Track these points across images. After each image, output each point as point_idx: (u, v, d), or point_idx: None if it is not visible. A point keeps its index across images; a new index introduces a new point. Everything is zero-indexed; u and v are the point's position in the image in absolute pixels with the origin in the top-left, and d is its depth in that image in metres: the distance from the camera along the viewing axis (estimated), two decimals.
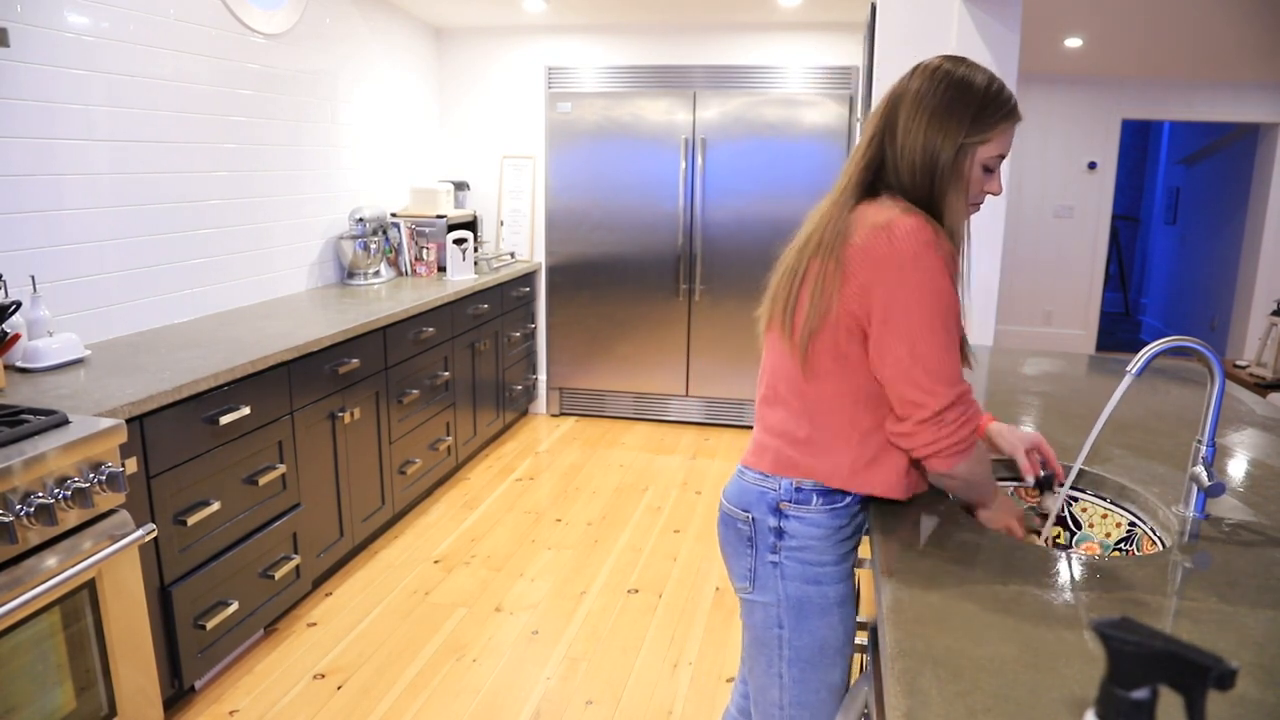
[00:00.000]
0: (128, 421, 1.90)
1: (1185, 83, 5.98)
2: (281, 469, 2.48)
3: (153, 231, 2.74)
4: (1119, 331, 8.18)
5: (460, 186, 4.66)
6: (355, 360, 2.86)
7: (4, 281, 2.19)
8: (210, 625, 2.20)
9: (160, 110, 2.73)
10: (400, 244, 4.06)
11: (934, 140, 1.21)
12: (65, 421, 1.74)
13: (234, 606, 2.29)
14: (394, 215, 4.12)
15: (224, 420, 2.21)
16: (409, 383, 3.28)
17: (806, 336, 1.25)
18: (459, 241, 3.99)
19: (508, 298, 4.31)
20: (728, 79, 4.43)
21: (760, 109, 4.29)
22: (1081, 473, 1.52)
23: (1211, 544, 1.23)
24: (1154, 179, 8.79)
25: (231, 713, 2.22)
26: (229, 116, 3.04)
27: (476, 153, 4.80)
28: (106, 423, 1.75)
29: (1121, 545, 1.45)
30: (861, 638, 1.43)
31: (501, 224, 4.80)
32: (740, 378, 4.58)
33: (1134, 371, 1.25)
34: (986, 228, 2.95)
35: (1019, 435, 1.46)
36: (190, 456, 2.13)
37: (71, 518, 1.67)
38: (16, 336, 2.12)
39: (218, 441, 2.23)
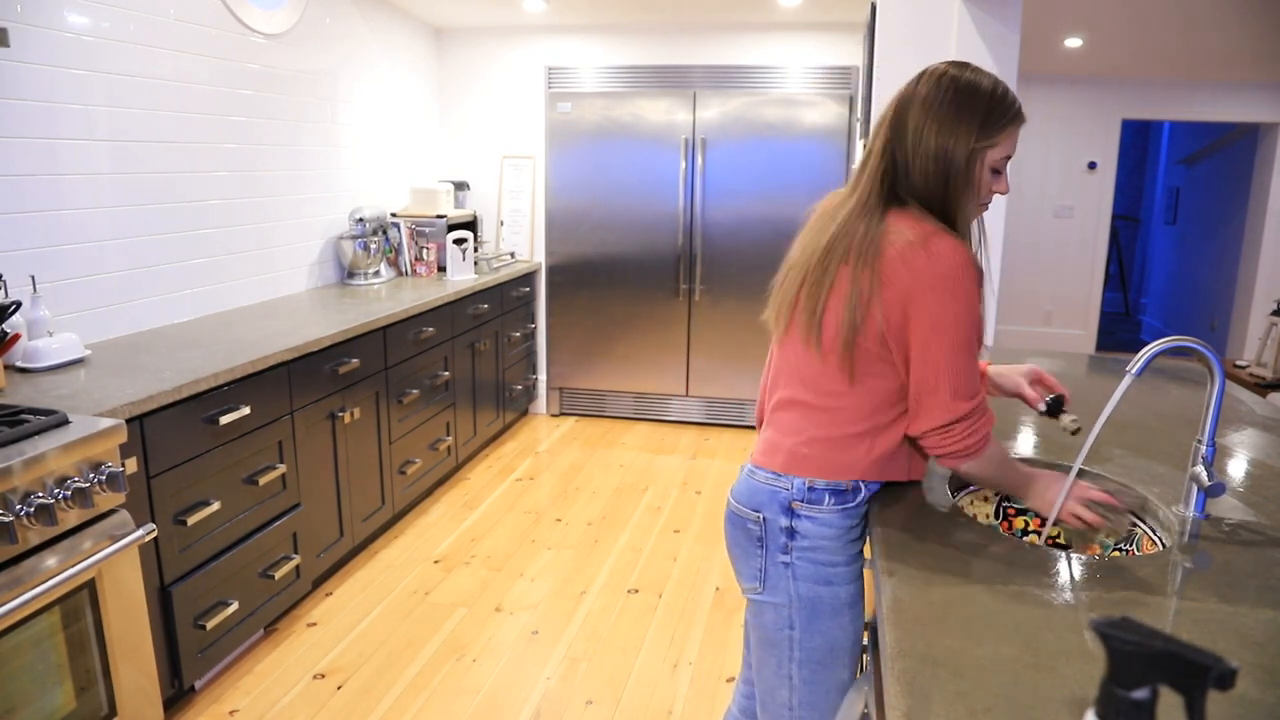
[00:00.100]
0: (128, 421, 1.90)
1: (1185, 83, 5.98)
2: (281, 469, 2.48)
3: (153, 231, 2.74)
4: (1119, 331, 8.18)
5: (460, 186, 4.66)
6: (355, 360, 2.86)
7: (4, 281, 2.19)
8: (210, 625, 2.20)
9: (160, 110, 2.73)
10: (400, 244, 4.06)
11: (945, 146, 1.23)
12: (65, 421, 1.74)
13: (234, 606, 2.29)
14: (394, 215, 4.12)
15: (224, 420, 2.21)
16: (409, 383, 3.28)
17: (843, 345, 1.26)
18: (459, 241, 3.99)
19: (508, 298, 4.31)
20: (728, 79, 4.43)
21: (760, 109, 4.29)
22: (1082, 473, 1.52)
23: (1211, 544, 1.23)
24: (1154, 179, 8.79)
25: (231, 713, 2.22)
26: (229, 116, 3.04)
27: (476, 153, 4.80)
28: (106, 423, 1.75)
29: (1121, 545, 1.45)
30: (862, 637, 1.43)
31: (501, 224, 4.80)
32: (740, 378, 4.58)
33: (1134, 371, 1.25)
34: (986, 228, 2.95)
35: (1017, 370, 1.55)
36: (190, 456, 2.13)
37: (71, 518, 1.67)
38: (16, 336, 2.12)
39: (218, 441, 2.23)
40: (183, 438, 2.10)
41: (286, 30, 3.33)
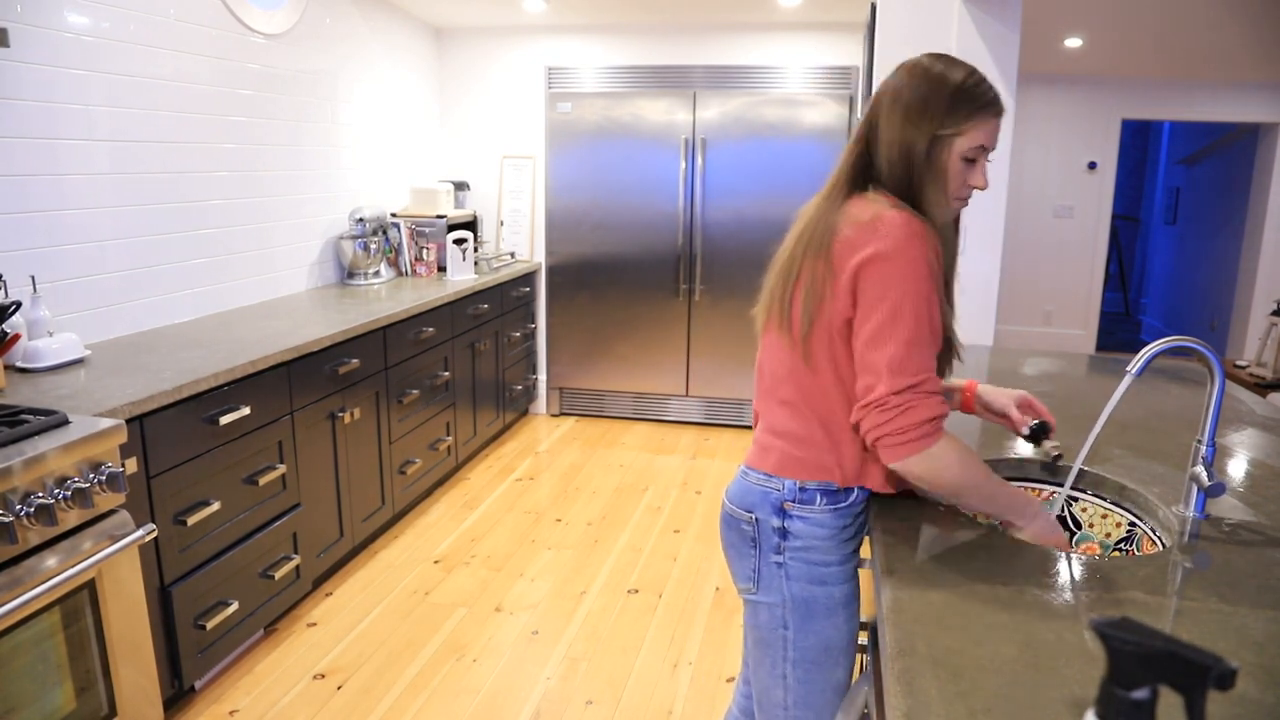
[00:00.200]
0: (128, 421, 1.90)
1: (1185, 83, 5.98)
2: (281, 469, 2.48)
3: (153, 231, 2.74)
4: (1119, 331, 8.18)
5: (460, 186, 4.66)
6: (355, 360, 2.86)
7: (4, 281, 2.19)
8: (210, 625, 2.20)
9: (160, 110, 2.73)
10: (400, 244, 4.06)
11: (908, 134, 1.23)
12: (65, 421, 1.74)
13: (234, 606, 2.29)
14: (394, 215, 4.12)
15: (224, 420, 2.21)
16: (409, 383, 3.28)
17: (803, 336, 1.26)
18: (459, 241, 3.99)
19: (508, 298, 4.31)
20: (728, 79, 4.43)
21: (760, 109, 4.29)
22: (1081, 473, 1.52)
23: (1211, 544, 1.23)
24: (1154, 179, 8.79)
25: (231, 713, 2.22)
26: (229, 116, 3.04)
27: (476, 153, 4.80)
28: (106, 423, 1.75)
29: (1121, 545, 1.45)
30: (861, 638, 1.43)
31: (501, 224, 4.80)
32: (740, 378, 4.58)
33: (1134, 371, 1.25)
34: (987, 227, 2.95)
35: (1008, 394, 1.52)
36: (190, 456, 2.13)
37: (71, 518, 1.67)
38: (16, 336, 2.12)
39: (218, 441, 2.23)
40: (183, 438, 2.10)
41: (286, 30, 3.33)
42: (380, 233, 3.88)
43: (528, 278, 4.60)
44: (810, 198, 1.37)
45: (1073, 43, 4.83)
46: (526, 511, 3.53)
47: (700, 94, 4.35)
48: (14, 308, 2.06)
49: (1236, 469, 1.57)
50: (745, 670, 1.63)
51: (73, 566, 1.62)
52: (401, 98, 4.32)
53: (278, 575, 2.48)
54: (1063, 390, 2.11)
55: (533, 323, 4.75)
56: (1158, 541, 1.36)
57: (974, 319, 3.02)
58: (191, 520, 2.13)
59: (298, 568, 2.61)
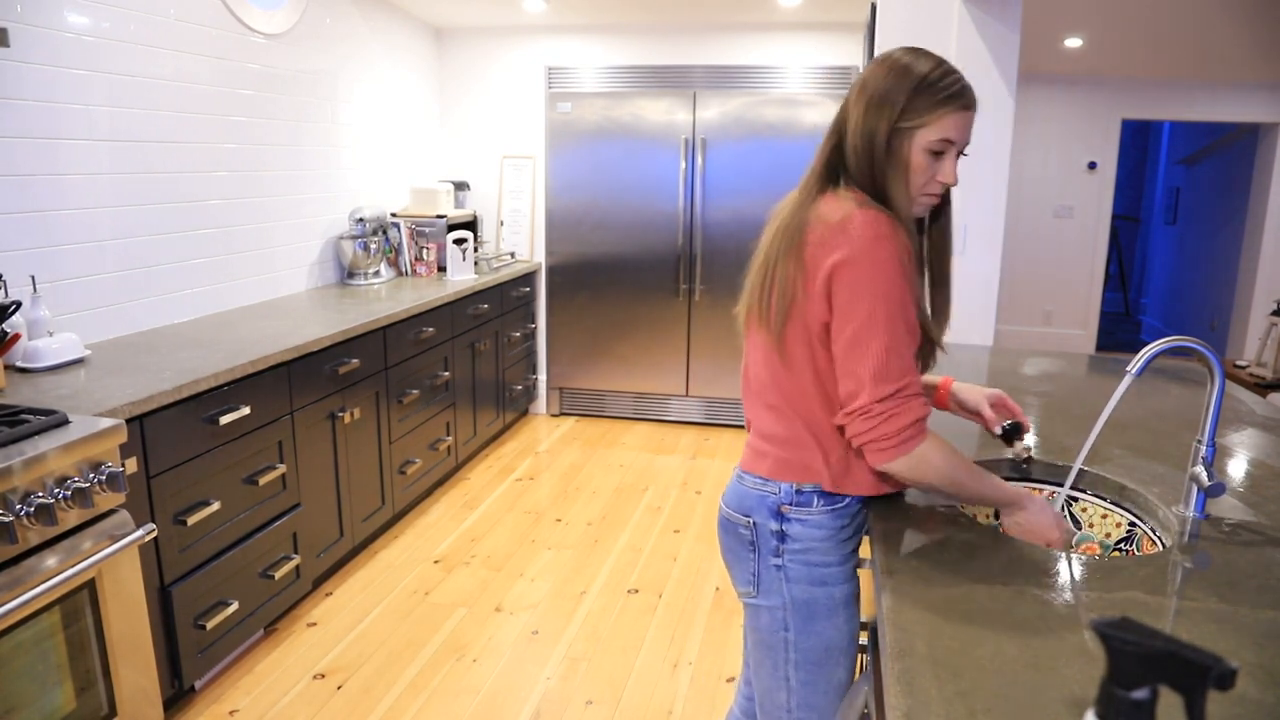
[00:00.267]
0: (128, 421, 1.90)
1: (1185, 83, 5.98)
2: (281, 469, 2.48)
3: (153, 231, 2.74)
4: (1119, 331, 8.18)
5: (460, 186, 4.66)
6: (355, 360, 2.86)
7: (4, 281, 2.19)
8: (210, 625, 2.20)
9: (160, 110, 2.73)
10: (400, 244, 4.06)
11: (870, 125, 1.22)
12: (65, 421, 1.74)
13: (234, 606, 2.29)
14: (394, 215, 4.12)
15: (224, 420, 2.21)
16: (409, 383, 3.28)
17: (778, 335, 1.26)
18: (459, 241, 3.99)
19: (508, 298, 4.31)
20: (728, 79, 4.43)
21: (760, 109, 4.29)
22: (1081, 473, 1.52)
23: (1211, 544, 1.23)
24: (1154, 179, 8.79)
25: (231, 713, 2.22)
26: (229, 116, 3.04)
27: (476, 153, 4.80)
28: (106, 423, 1.75)
29: (1121, 545, 1.45)
30: (861, 638, 1.43)
31: (501, 224, 4.80)
32: (740, 378, 4.57)
33: (1134, 371, 1.25)
34: (987, 227, 2.95)
35: (981, 391, 1.51)
36: (190, 456, 2.13)
37: (71, 518, 1.67)
38: (16, 336, 2.12)
39: (218, 441, 2.23)
40: (183, 438, 2.10)
41: (286, 30, 3.33)
42: (380, 233, 3.88)
43: (528, 278, 4.60)
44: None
45: (1073, 43, 4.83)
46: (526, 511, 3.53)
47: (700, 94, 4.35)
48: (14, 308, 2.06)
49: (1236, 469, 1.57)
50: (746, 671, 1.63)
51: (73, 566, 1.62)
52: (401, 98, 4.32)
53: (278, 575, 2.48)
54: (1063, 390, 2.11)
55: (533, 323, 4.75)
56: (1158, 541, 1.36)
57: (974, 319, 3.02)
58: (191, 520, 2.13)
59: (298, 568, 2.61)
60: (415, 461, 3.35)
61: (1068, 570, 1.14)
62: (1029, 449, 1.45)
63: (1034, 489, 1.57)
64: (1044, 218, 6.49)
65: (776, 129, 4.28)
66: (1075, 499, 1.54)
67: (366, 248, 3.76)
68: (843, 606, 1.32)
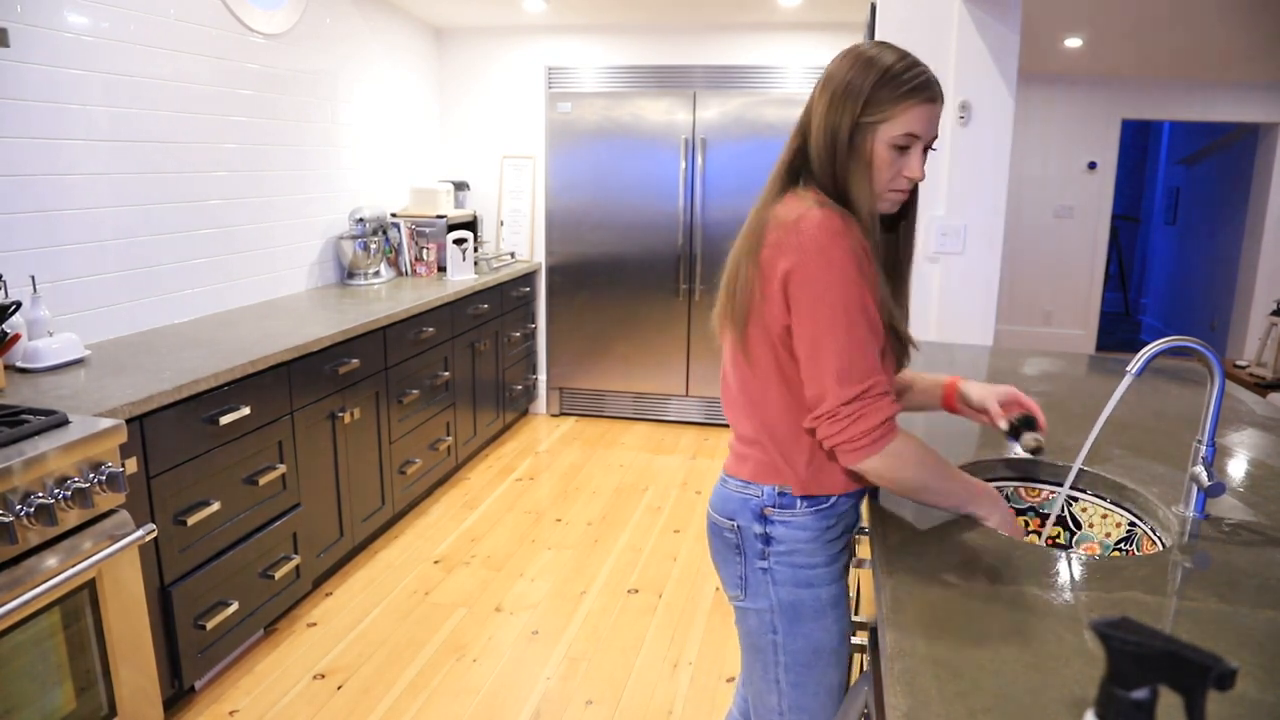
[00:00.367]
0: (128, 421, 1.90)
1: (1185, 83, 5.98)
2: (281, 469, 2.48)
3: (153, 231, 2.74)
4: (1119, 331, 8.18)
5: (460, 186, 4.66)
6: (355, 360, 2.86)
7: (4, 281, 2.19)
8: (210, 625, 2.20)
9: (160, 110, 2.73)
10: (400, 244, 4.06)
11: (833, 120, 1.19)
12: (65, 421, 1.74)
13: (234, 606, 2.29)
14: (394, 215, 4.12)
15: (224, 420, 2.21)
16: (409, 383, 3.28)
17: (741, 339, 1.25)
18: (459, 241, 3.99)
19: (508, 298, 4.31)
20: (728, 79, 4.43)
21: (760, 109, 4.29)
22: (1081, 473, 1.52)
23: (1211, 544, 1.23)
24: (1154, 179, 8.79)
25: (231, 713, 2.22)
26: (229, 116, 3.04)
27: (476, 153, 4.80)
28: (106, 423, 1.75)
29: (1121, 545, 1.45)
30: (861, 638, 1.43)
31: (501, 224, 4.80)
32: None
33: (1134, 371, 1.25)
34: (987, 227, 2.95)
35: (992, 389, 1.43)
36: (190, 456, 2.13)
37: (71, 518, 1.67)
38: (16, 336, 2.12)
39: (218, 441, 2.23)
40: (183, 438, 2.10)
41: (286, 30, 3.33)
42: (380, 233, 3.88)
43: (528, 278, 4.60)
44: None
45: (1073, 43, 4.83)
46: (526, 511, 3.53)
47: (700, 94, 4.35)
48: (14, 308, 2.06)
49: (1236, 469, 1.57)
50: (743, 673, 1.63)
51: (73, 566, 1.62)
52: (401, 98, 4.32)
53: (278, 575, 2.48)
54: (1063, 390, 2.11)
55: (533, 323, 4.75)
56: (1158, 541, 1.36)
57: (974, 319, 3.02)
58: (191, 520, 2.13)
59: (298, 568, 2.61)
60: (415, 461, 3.35)
61: (1068, 570, 1.14)
62: (1040, 440, 1.37)
63: (1034, 490, 1.57)
64: (1044, 218, 6.49)
65: (776, 129, 4.28)
66: (1075, 499, 1.54)
67: (366, 248, 3.76)
68: (830, 608, 1.31)
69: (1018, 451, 1.60)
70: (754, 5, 3.98)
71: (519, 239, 4.79)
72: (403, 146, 4.37)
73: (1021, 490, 1.58)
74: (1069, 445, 1.65)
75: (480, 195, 4.81)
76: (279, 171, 3.35)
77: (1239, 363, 4.23)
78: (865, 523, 1.40)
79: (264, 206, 3.28)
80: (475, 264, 4.16)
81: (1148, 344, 1.24)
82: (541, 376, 4.87)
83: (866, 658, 1.42)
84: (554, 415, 4.87)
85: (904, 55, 1.20)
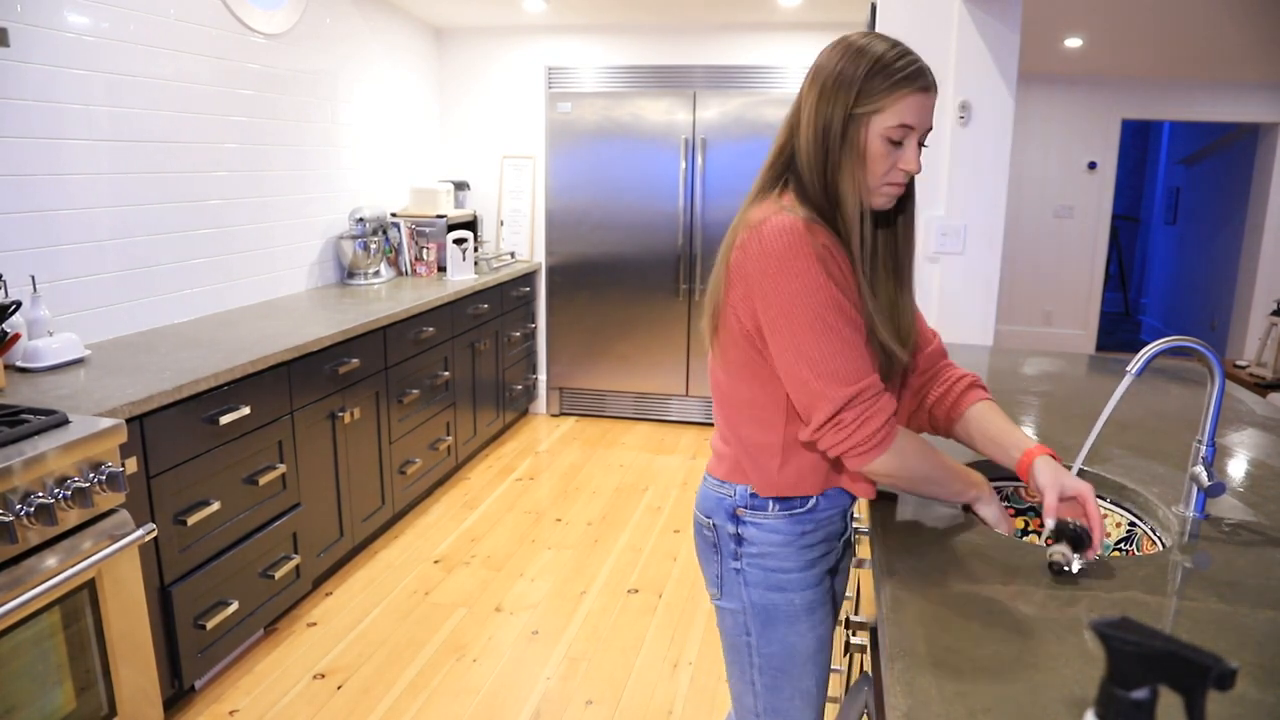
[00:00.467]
0: (128, 421, 1.90)
1: (1185, 83, 5.98)
2: (281, 469, 2.48)
3: (153, 231, 2.74)
4: (1119, 331, 8.18)
5: (460, 186, 4.66)
6: (355, 360, 2.86)
7: (4, 281, 2.19)
8: (210, 625, 2.20)
9: (160, 110, 2.73)
10: (400, 244, 4.06)
11: (823, 111, 1.16)
12: (65, 421, 1.74)
13: (234, 606, 2.29)
14: (394, 215, 4.12)
15: (224, 420, 2.21)
16: (409, 383, 3.28)
17: (713, 342, 1.26)
18: (459, 241, 3.99)
19: (508, 298, 4.31)
20: (728, 79, 4.43)
21: (760, 109, 4.29)
22: (1081, 473, 1.52)
23: (1211, 544, 1.23)
24: (1154, 179, 8.79)
25: (231, 713, 2.22)
26: (229, 116, 3.04)
27: (476, 153, 4.80)
28: (106, 423, 1.75)
29: (1121, 545, 1.45)
30: (862, 638, 1.43)
31: (501, 224, 4.80)
32: None
33: (1134, 371, 1.25)
34: (987, 227, 2.95)
35: (1062, 475, 1.19)
36: (190, 456, 2.13)
37: (71, 518, 1.67)
38: (16, 336, 2.12)
39: (218, 441, 2.23)
40: (183, 438, 2.10)
41: (286, 30, 3.33)
42: (380, 233, 3.88)
43: (528, 278, 4.60)
44: None
45: (1073, 43, 4.83)
46: (526, 511, 3.53)
47: (700, 94, 4.35)
48: (14, 307, 2.06)
49: (1236, 469, 1.57)
50: None
51: (73, 566, 1.62)
52: (401, 98, 4.32)
53: (278, 575, 2.48)
54: (1063, 390, 2.11)
55: (533, 323, 4.75)
56: (1158, 541, 1.36)
57: (974, 319, 3.02)
58: (191, 520, 2.13)
59: (298, 567, 2.61)
60: (415, 461, 3.35)
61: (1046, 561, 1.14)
62: (1068, 561, 1.09)
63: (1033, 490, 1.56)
64: (1044, 218, 6.49)
65: (776, 129, 4.20)
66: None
67: (366, 248, 3.76)
68: (804, 614, 1.28)
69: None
70: (754, 5, 3.98)
71: (519, 239, 4.79)
72: (403, 146, 4.37)
73: (1021, 490, 1.58)
74: (1069, 445, 1.65)
75: (480, 195, 4.81)
76: (279, 171, 3.35)
77: (1239, 363, 4.23)
78: (865, 523, 1.40)
79: (264, 206, 3.28)
80: (475, 264, 4.16)
81: (1148, 344, 1.24)
82: (541, 376, 4.87)
83: (866, 658, 1.42)
84: (554, 415, 4.87)
85: (895, 44, 1.17)
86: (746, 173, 4.32)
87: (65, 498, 1.64)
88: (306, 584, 2.68)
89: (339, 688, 2.33)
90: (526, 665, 2.45)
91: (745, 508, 1.27)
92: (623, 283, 4.62)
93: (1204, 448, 1.27)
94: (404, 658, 2.48)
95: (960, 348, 2.61)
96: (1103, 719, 0.58)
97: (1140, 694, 0.57)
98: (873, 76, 1.14)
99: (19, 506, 1.56)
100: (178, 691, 2.18)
